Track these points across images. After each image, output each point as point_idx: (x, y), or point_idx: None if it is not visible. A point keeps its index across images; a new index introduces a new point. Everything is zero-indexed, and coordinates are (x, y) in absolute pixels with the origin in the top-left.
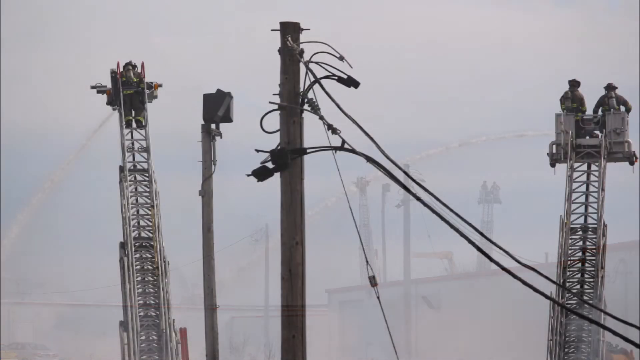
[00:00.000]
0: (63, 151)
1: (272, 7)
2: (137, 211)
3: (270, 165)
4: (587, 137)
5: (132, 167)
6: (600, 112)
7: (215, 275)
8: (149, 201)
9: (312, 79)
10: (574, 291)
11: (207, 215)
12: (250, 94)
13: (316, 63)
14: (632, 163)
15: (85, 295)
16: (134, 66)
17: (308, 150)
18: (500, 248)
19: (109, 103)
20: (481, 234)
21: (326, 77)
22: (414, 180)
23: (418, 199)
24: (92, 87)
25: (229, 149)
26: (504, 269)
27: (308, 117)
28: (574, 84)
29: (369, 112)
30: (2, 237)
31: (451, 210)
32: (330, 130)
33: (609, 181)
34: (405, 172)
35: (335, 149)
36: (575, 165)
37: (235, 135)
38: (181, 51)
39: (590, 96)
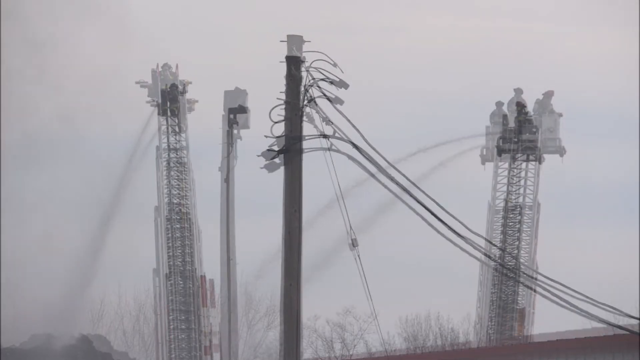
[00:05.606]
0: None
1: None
2: (169, 181)
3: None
4: (509, 143)
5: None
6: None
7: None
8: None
9: (311, 80)
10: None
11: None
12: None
13: (315, 69)
14: (561, 155)
15: None
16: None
17: (306, 138)
18: (438, 217)
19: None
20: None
21: (322, 79)
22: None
23: (375, 178)
24: (137, 83)
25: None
26: (442, 234)
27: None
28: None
29: (369, 112)
30: (2, 237)
31: (408, 181)
32: (324, 122)
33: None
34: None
35: (325, 136)
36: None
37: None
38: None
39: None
